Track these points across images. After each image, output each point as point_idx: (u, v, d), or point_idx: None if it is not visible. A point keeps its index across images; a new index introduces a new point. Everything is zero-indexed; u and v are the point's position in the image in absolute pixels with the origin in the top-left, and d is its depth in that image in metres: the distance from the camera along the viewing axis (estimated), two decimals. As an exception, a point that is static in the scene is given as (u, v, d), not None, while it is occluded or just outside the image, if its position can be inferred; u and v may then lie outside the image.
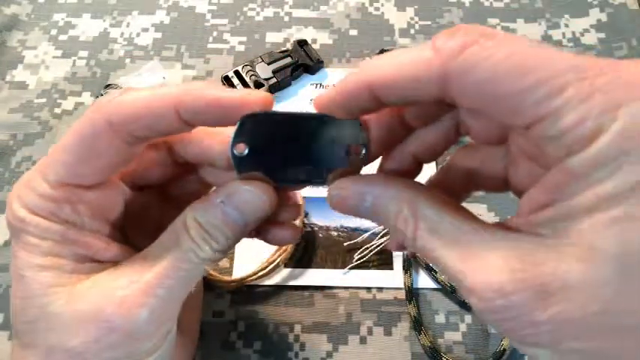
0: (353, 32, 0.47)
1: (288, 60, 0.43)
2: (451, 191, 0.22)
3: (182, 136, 0.23)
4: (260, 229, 0.25)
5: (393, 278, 0.35)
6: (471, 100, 0.17)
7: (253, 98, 0.20)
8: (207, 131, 0.23)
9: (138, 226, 0.25)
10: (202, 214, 0.21)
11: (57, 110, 0.43)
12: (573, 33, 0.46)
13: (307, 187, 0.23)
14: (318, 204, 0.38)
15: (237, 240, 0.22)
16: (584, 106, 0.15)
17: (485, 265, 0.16)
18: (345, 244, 0.36)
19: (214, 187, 0.25)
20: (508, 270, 0.16)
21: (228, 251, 0.22)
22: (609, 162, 0.14)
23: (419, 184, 0.20)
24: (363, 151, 0.21)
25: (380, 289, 0.35)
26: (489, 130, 0.20)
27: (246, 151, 0.21)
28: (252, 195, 0.21)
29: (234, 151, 0.21)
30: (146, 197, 0.26)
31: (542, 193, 0.16)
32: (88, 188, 0.22)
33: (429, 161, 0.22)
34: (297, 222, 0.35)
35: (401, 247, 0.24)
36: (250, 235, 0.24)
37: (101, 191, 0.22)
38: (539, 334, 0.15)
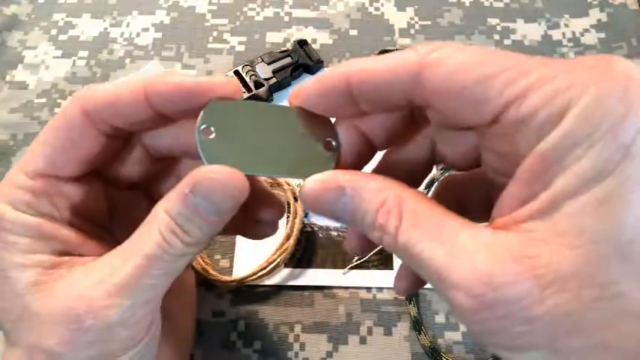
0: (353, 32, 0.47)
1: (288, 60, 0.43)
2: None
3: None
4: (238, 226, 0.25)
5: (393, 278, 0.35)
6: (441, 93, 0.17)
7: (219, 83, 0.20)
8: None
9: (125, 226, 0.25)
10: (172, 206, 0.20)
11: (57, 110, 0.43)
12: (573, 33, 0.46)
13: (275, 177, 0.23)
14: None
15: (215, 231, 0.21)
16: (549, 86, 0.15)
17: (474, 259, 0.15)
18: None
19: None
20: (499, 262, 0.15)
21: (206, 243, 0.21)
22: (582, 139, 0.14)
23: (401, 182, 0.19)
24: (334, 144, 0.21)
25: (380, 289, 0.35)
26: (462, 148, 0.20)
27: (213, 136, 0.20)
28: (219, 182, 0.19)
29: (200, 136, 0.20)
30: (132, 197, 0.26)
31: (521, 187, 0.16)
32: (67, 181, 0.22)
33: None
34: (298, 220, 0.35)
35: (359, 248, 0.24)
36: (229, 233, 0.24)
37: (80, 186, 0.22)
38: (534, 332, 0.14)
